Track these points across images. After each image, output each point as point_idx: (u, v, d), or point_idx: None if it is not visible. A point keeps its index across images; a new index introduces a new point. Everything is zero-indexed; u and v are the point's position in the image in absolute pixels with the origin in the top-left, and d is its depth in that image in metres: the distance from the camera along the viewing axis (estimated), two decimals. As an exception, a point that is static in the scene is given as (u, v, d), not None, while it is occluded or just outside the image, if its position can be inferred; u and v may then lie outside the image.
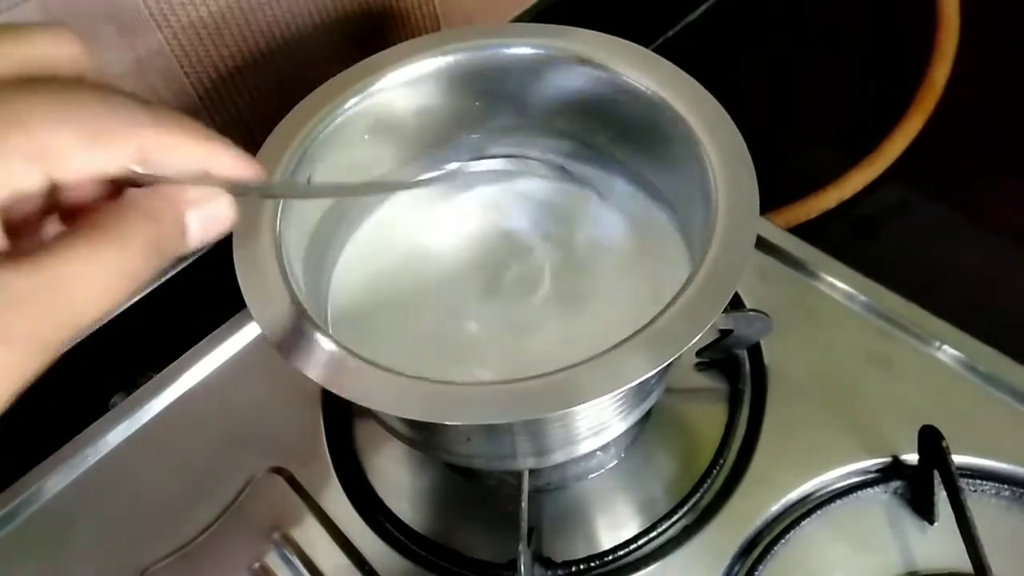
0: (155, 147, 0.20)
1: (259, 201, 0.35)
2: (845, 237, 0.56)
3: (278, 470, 0.43)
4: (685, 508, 0.40)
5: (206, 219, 0.22)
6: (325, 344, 0.30)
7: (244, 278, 0.33)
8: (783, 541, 0.38)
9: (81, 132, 0.19)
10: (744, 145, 0.34)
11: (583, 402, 0.28)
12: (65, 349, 0.19)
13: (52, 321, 0.18)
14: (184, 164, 0.21)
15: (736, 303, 0.45)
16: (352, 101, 0.39)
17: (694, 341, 0.29)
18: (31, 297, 0.18)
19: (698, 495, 0.40)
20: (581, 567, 0.38)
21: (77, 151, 0.18)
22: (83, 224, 0.19)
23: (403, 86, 0.40)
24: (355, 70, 0.40)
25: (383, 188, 0.41)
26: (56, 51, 0.20)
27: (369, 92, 0.40)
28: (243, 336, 0.48)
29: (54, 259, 0.18)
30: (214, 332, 0.48)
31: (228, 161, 0.22)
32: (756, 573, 0.37)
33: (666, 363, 0.29)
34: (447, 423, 0.30)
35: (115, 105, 0.19)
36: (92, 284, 0.19)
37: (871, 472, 0.40)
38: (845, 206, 0.57)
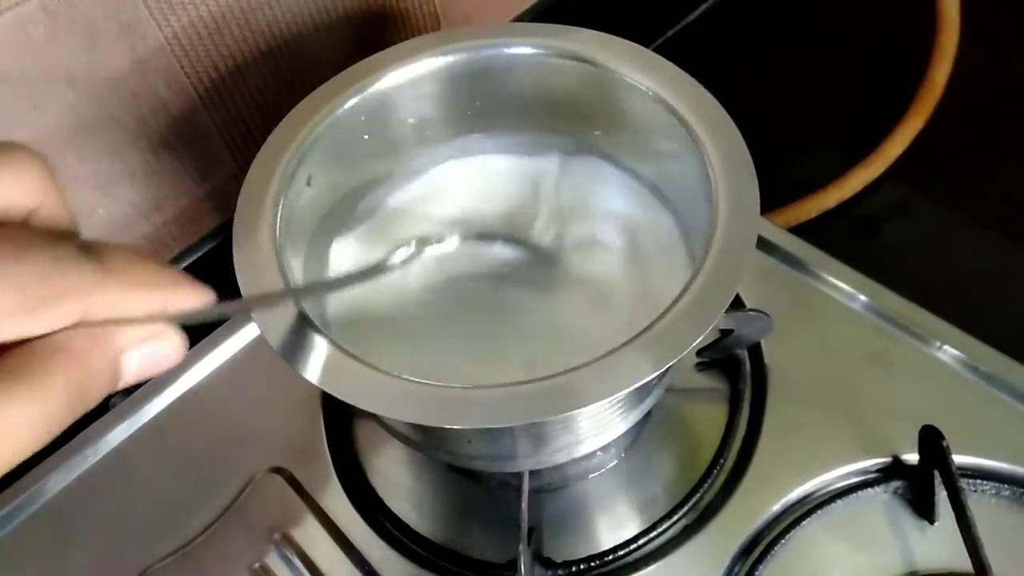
0: (101, 306, 0.19)
1: (260, 201, 0.35)
2: (845, 237, 0.56)
3: (278, 470, 0.43)
4: (685, 508, 0.40)
5: (146, 358, 0.20)
6: (324, 346, 0.30)
7: (244, 278, 0.33)
8: (783, 541, 0.38)
9: (21, 301, 0.17)
10: (744, 145, 0.34)
11: (585, 405, 0.28)
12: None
13: None
14: (133, 312, 0.20)
15: (737, 303, 0.45)
16: (352, 101, 0.39)
17: (695, 343, 0.29)
18: None
19: (698, 495, 0.40)
20: (581, 567, 0.38)
21: (16, 319, 0.17)
22: (1, 366, 0.18)
23: (403, 86, 0.40)
24: (355, 70, 0.40)
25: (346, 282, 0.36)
26: (18, 193, 0.19)
27: (369, 92, 0.40)
28: (243, 336, 0.48)
29: None
30: (214, 332, 0.48)
31: (180, 302, 0.21)
32: (756, 573, 0.37)
33: (668, 366, 0.29)
34: (448, 427, 0.30)
35: (63, 265, 0.18)
36: (8, 432, 0.18)
37: (871, 472, 0.40)
38: (845, 206, 0.57)
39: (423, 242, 0.35)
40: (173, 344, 0.21)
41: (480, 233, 0.44)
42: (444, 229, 0.44)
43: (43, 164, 0.20)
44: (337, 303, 0.40)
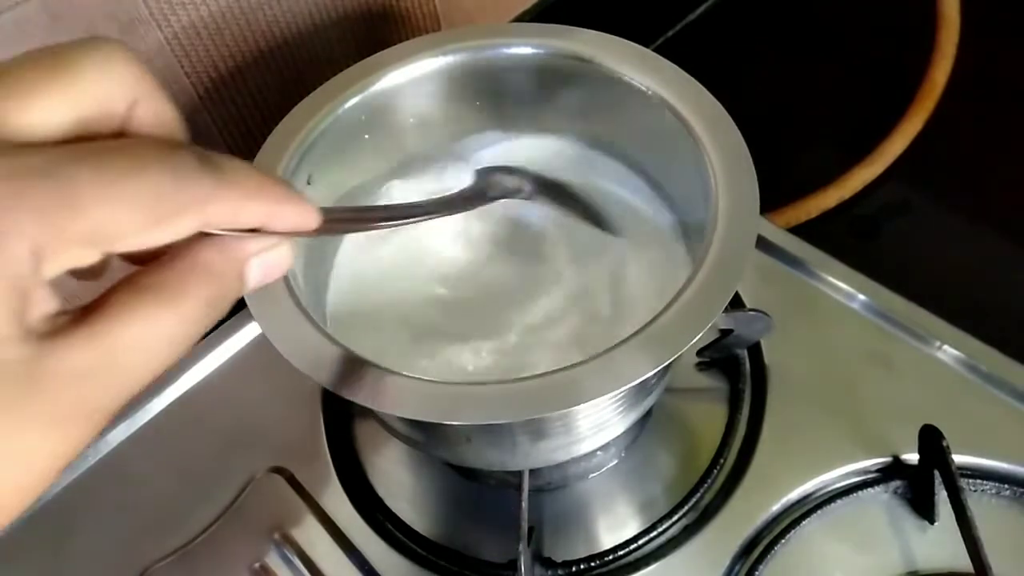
0: (219, 216, 0.19)
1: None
2: (845, 237, 0.56)
3: (278, 470, 0.43)
4: (685, 508, 0.40)
5: (265, 266, 0.21)
6: (325, 344, 0.30)
7: (244, 278, 0.33)
8: (783, 541, 0.38)
9: (142, 213, 0.17)
10: (744, 145, 0.34)
11: (583, 402, 0.28)
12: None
13: (106, 395, 0.18)
14: (248, 224, 0.20)
15: (736, 303, 0.45)
16: (352, 101, 0.39)
17: (694, 341, 0.29)
18: (86, 374, 0.17)
19: (698, 495, 0.40)
20: (581, 567, 0.38)
21: (138, 232, 0.17)
22: (141, 283, 0.18)
23: (403, 86, 0.40)
24: (355, 70, 0.40)
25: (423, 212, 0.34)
26: (111, 86, 0.19)
27: (369, 92, 0.40)
28: (243, 336, 0.48)
29: (110, 327, 0.17)
30: (214, 332, 0.48)
31: (291, 217, 0.21)
32: (756, 573, 0.37)
33: (666, 363, 0.29)
34: (447, 423, 0.30)
35: (179, 175, 0.18)
36: (149, 351, 0.18)
37: (871, 472, 0.40)
38: (845, 206, 0.57)
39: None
40: (286, 252, 0.22)
41: (479, 230, 0.44)
42: (443, 227, 0.44)
43: (132, 56, 0.20)
44: (336, 300, 0.40)
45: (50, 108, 0.18)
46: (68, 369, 0.17)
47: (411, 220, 0.32)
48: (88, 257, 0.17)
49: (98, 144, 0.18)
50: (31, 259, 0.16)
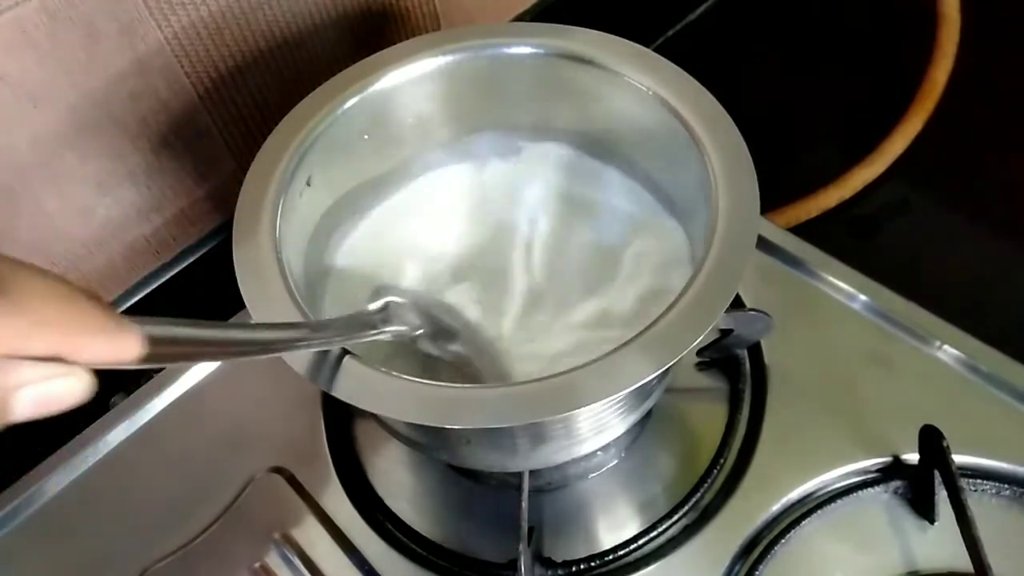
0: None
1: (260, 201, 0.35)
2: (845, 237, 0.56)
3: (278, 470, 0.43)
4: (685, 508, 0.40)
5: (42, 399, 0.18)
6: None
7: (244, 278, 0.33)
8: (783, 541, 0.38)
9: None
10: (744, 145, 0.34)
11: (584, 405, 0.28)
12: None
13: None
14: (38, 353, 0.18)
15: (736, 303, 0.45)
16: (352, 101, 0.39)
17: (695, 343, 0.29)
18: None
19: (698, 495, 0.40)
20: (581, 567, 0.38)
21: None
22: None
23: (403, 86, 0.40)
24: (355, 70, 0.40)
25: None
26: None
27: (369, 92, 0.40)
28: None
29: None
30: (214, 332, 0.48)
31: (99, 350, 0.18)
32: (756, 573, 0.37)
33: (668, 366, 0.29)
34: (448, 427, 0.30)
35: None
36: None
37: (871, 472, 0.40)
38: (845, 206, 0.57)
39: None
40: (74, 387, 0.19)
41: (478, 230, 0.44)
42: (442, 227, 0.44)
43: None
44: (336, 301, 0.40)
45: None
46: None
47: (266, 352, 0.27)
48: None
49: None
50: None
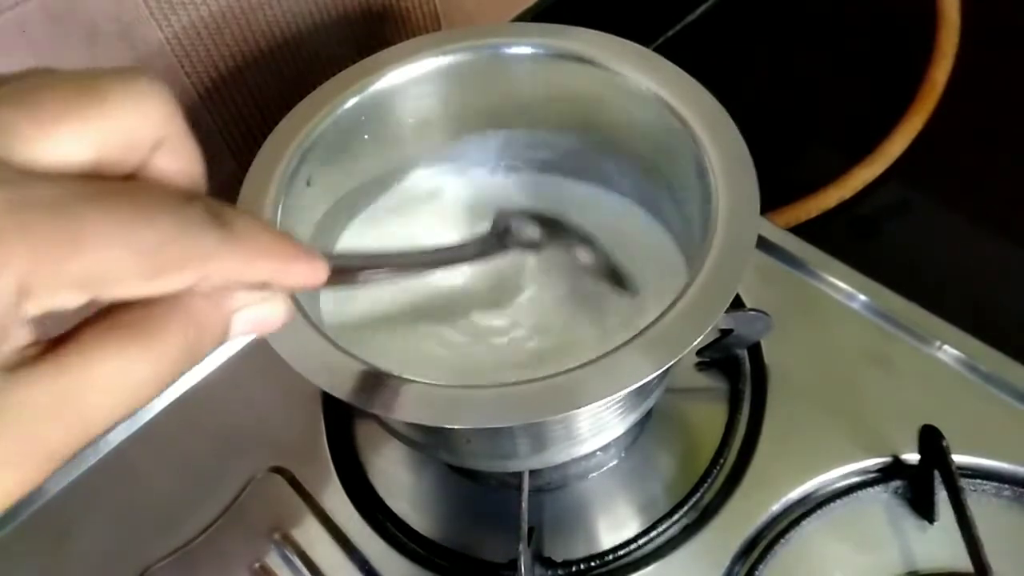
0: (222, 272, 0.18)
1: (260, 201, 0.35)
2: (845, 237, 0.56)
3: (278, 470, 0.43)
4: (685, 508, 0.40)
5: (254, 321, 0.21)
6: (325, 347, 0.30)
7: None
8: (783, 541, 0.38)
9: (142, 263, 0.16)
10: (744, 145, 0.34)
11: (584, 405, 0.28)
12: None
13: (68, 434, 0.17)
14: (254, 281, 0.19)
15: (736, 303, 0.45)
16: (352, 101, 0.39)
17: (696, 343, 0.29)
18: (49, 409, 0.16)
19: (698, 495, 0.40)
20: (581, 567, 0.38)
21: (133, 280, 0.16)
22: (118, 319, 0.17)
23: (403, 86, 0.40)
24: (355, 70, 0.40)
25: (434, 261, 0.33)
26: (140, 123, 0.18)
27: (369, 92, 0.40)
28: (243, 336, 0.48)
29: (81, 361, 0.17)
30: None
31: (299, 275, 0.20)
32: (756, 573, 0.37)
33: (668, 366, 0.29)
34: (448, 427, 0.30)
35: (186, 228, 0.17)
36: (116, 391, 0.17)
37: (871, 472, 0.40)
38: (845, 206, 0.57)
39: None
40: (280, 310, 0.21)
41: (478, 229, 0.44)
42: (443, 227, 0.44)
43: (166, 96, 0.19)
44: (336, 302, 0.40)
45: (72, 139, 0.17)
46: (31, 403, 0.16)
47: (422, 270, 0.30)
48: (75, 300, 0.16)
49: (112, 185, 0.17)
50: (16, 295, 0.15)
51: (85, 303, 0.16)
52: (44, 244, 0.15)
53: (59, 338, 0.17)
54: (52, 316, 0.16)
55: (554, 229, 0.37)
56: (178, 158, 0.19)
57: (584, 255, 0.37)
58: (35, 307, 0.16)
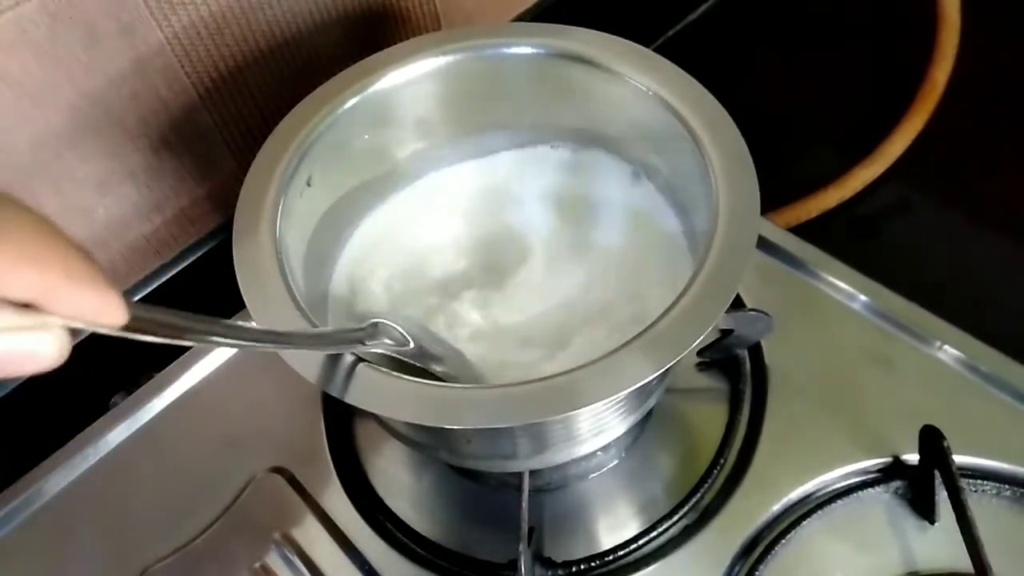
0: None
1: (260, 201, 0.35)
2: (845, 237, 0.56)
3: (278, 470, 0.43)
4: (686, 508, 0.40)
5: (7, 351, 0.16)
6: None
7: (244, 278, 0.33)
8: (784, 541, 0.38)
9: None
10: (744, 145, 0.34)
11: (584, 406, 0.28)
12: None
13: None
14: (13, 294, 0.15)
15: (737, 303, 0.45)
16: (352, 101, 0.39)
17: (696, 344, 0.29)
18: None
19: (699, 495, 0.40)
20: (581, 567, 0.38)
21: None
22: None
23: (403, 86, 0.40)
24: (355, 70, 0.40)
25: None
26: None
27: (369, 92, 0.40)
28: None
29: None
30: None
31: (79, 302, 0.16)
32: (757, 573, 0.37)
33: (668, 366, 0.29)
34: (448, 427, 0.30)
35: None
36: None
37: (872, 472, 0.40)
38: (845, 206, 0.57)
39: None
40: (45, 345, 0.16)
41: (478, 229, 0.44)
42: (443, 227, 0.44)
43: None
44: (336, 301, 0.40)
45: None
46: None
47: (246, 344, 0.26)
48: None
49: None
50: None
51: None
52: None
53: None
54: None
55: (423, 352, 0.35)
56: None
57: (443, 370, 0.36)
58: None
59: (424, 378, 0.30)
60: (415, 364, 0.34)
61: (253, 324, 0.30)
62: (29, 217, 0.15)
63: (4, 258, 0.15)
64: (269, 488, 0.42)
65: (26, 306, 0.15)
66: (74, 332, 0.17)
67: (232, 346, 0.26)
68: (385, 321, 0.33)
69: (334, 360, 0.30)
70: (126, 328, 0.17)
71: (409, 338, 0.34)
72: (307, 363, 0.30)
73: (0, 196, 0.15)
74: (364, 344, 0.31)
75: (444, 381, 0.36)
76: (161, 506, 0.43)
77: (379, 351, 0.32)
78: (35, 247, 0.15)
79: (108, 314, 0.17)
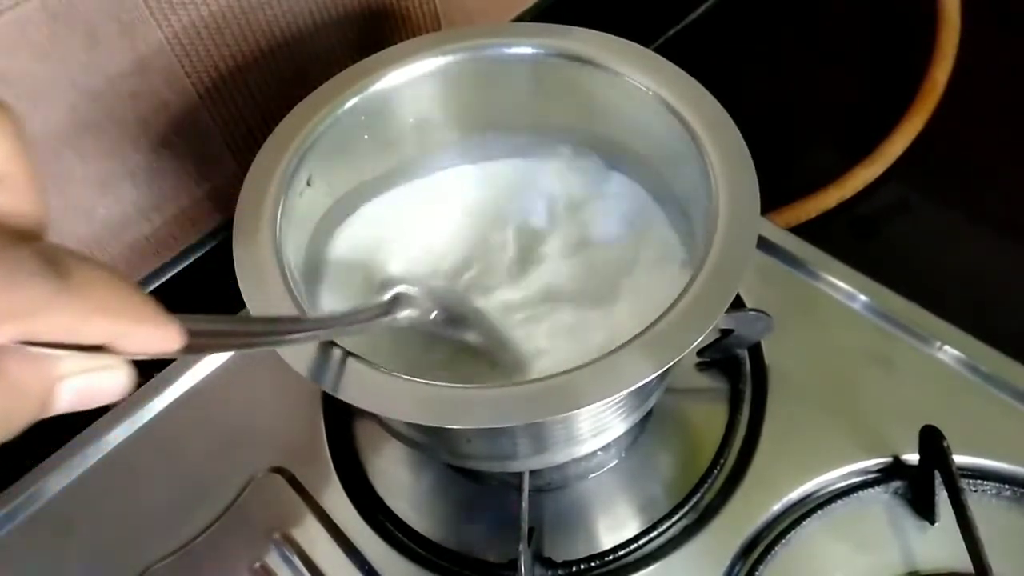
0: (51, 328, 0.16)
1: (260, 201, 0.35)
2: (845, 237, 0.56)
3: (278, 470, 0.43)
4: (686, 508, 0.40)
5: (84, 390, 0.18)
6: (325, 345, 0.30)
7: (244, 278, 0.33)
8: (784, 541, 0.38)
9: None
10: (744, 145, 0.34)
11: (584, 406, 0.28)
12: None
13: None
14: (90, 340, 0.17)
15: (737, 303, 0.45)
16: (352, 101, 0.39)
17: (696, 343, 0.29)
18: None
19: (699, 495, 0.40)
20: (581, 567, 0.38)
21: None
22: None
23: (403, 86, 0.40)
24: (355, 70, 0.40)
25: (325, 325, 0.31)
26: None
27: (369, 92, 0.40)
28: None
29: None
30: (214, 332, 0.48)
31: (145, 340, 0.18)
32: (757, 573, 0.37)
33: (668, 366, 0.29)
34: (448, 427, 0.30)
35: (16, 278, 0.15)
36: None
37: (872, 472, 0.40)
38: (845, 206, 0.57)
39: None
40: (117, 380, 0.19)
41: (477, 229, 0.44)
42: (442, 227, 0.44)
43: (14, 131, 0.18)
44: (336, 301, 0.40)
45: None
46: None
47: (299, 337, 0.28)
48: None
49: None
50: None
51: None
52: None
53: None
54: None
55: (450, 316, 0.36)
56: (16, 198, 0.18)
57: (472, 337, 0.36)
58: None
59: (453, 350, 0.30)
60: (445, 336, 0.35)
61: (284, 316, 0.31)
62: (100, 270, 0.17)
63: (79, 312, 0.16)
64: (269, 488, 0.42)
65: (98, 347, 0.17)
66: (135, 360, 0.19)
67: (268, 345, 0.27)
68: (407, 289, 0.33)
69: (336, 360, 0.30)
70: (184, 351, 0.19)
71: (432, 306, 0.34)
72: (309, 363, 0.30)
73: (66, 252, 0.17)
74: (391, 315, 0.32)
75: (477, 352, 0.37)
76: (161, 506, 0.43)
77: (408, 323, 0.32)
78: (104, 298, 0.17)
79: (169, 342, 0.19)
